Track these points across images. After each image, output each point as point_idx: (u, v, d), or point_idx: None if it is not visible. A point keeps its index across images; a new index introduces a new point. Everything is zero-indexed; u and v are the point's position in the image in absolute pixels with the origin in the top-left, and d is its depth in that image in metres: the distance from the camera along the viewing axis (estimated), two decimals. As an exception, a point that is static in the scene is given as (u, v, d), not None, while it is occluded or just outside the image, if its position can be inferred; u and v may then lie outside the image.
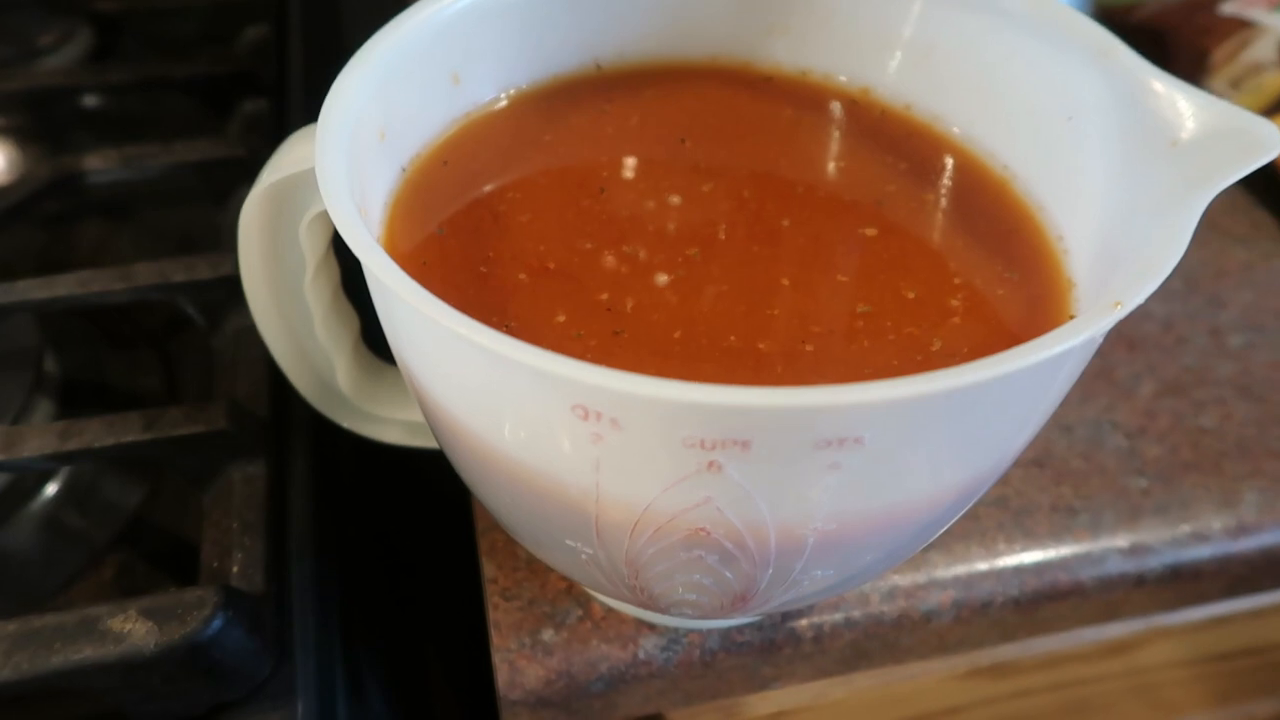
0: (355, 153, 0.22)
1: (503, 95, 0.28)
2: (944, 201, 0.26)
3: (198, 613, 0.24)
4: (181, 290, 0.31)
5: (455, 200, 0.25)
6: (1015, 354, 0.16)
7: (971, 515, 0.32)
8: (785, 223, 0.25)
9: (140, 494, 0.33)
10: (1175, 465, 0.34)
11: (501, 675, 0.28)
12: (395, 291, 0.18)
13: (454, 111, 0.27)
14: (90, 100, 0.45)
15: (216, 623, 0.24)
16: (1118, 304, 0.17)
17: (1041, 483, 0.33)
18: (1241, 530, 0.32)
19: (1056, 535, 0.32)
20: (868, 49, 0.29)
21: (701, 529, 0.19)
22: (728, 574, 0.21)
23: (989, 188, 0.27)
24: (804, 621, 0.30)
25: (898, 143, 0.28)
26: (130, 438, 0.27)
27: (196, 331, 0.34)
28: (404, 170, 0.25)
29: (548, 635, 0.29)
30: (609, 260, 0.24)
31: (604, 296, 0.23)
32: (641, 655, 0.29)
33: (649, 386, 0.16)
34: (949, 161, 0.27)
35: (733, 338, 0.22)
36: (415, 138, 0.26)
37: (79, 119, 0.43)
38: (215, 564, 0.27)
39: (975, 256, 0.25)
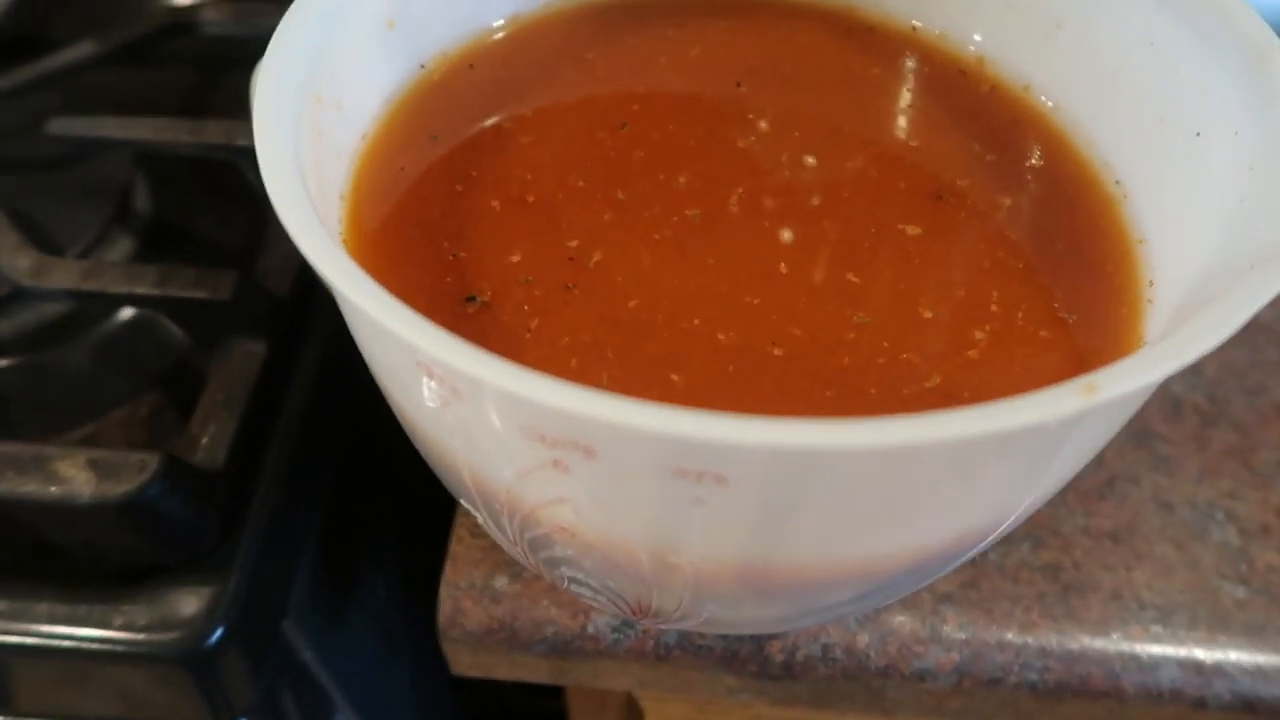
0: (340, 36, 0.21)
1: (559, 1, 0.25)
2: (1024, 210, 0.22)
3: (137, 476, 0.24)
4: (243, 154, 0.31)
5: (465, 107, 0.23)
6: (918, 422, 0.13)
7: (1011, 575, 0.28)
8: (815, 201, 0.22)
9: (191, 343, 0.33)
10: (1292, 582, 0.27)
11: (444, 611, 0.27)
12: (270, 197, 0.16)
13: (501, 11, 0.25)
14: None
15: (151, 490, 0.24)
16: (1090, 388, 0.13)
17: (1111, 560, 0.28)
18: (1353, 682, 0.26)
19: (1106, 624, 0.27)
20: (991, 9, 0.24)
21: (564, 528, 0.17)
22: (610, 582, 0.18)
23: (1090, 205, 0.22)
24: (775, 642, 0.27)
25: (998, 130, 0.23)
26: (142, 290, 0.28)
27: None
28: (423, 66, 0.24)
29: (501, 583, 0.27)
30: (595, 204, 0.21)
31: (573, 244, 0.21)
32: (591, 630, 0.27)
33: (468, 361, 0.14)
34: (1051, 163, 0.22)
35: (696, 321, 0.19)
36: (442, 33, 0.24)
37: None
38: (195, 431, 0.27)
39: (1033, 285, 0.20)
